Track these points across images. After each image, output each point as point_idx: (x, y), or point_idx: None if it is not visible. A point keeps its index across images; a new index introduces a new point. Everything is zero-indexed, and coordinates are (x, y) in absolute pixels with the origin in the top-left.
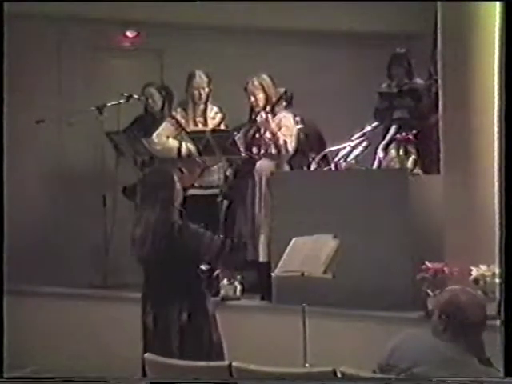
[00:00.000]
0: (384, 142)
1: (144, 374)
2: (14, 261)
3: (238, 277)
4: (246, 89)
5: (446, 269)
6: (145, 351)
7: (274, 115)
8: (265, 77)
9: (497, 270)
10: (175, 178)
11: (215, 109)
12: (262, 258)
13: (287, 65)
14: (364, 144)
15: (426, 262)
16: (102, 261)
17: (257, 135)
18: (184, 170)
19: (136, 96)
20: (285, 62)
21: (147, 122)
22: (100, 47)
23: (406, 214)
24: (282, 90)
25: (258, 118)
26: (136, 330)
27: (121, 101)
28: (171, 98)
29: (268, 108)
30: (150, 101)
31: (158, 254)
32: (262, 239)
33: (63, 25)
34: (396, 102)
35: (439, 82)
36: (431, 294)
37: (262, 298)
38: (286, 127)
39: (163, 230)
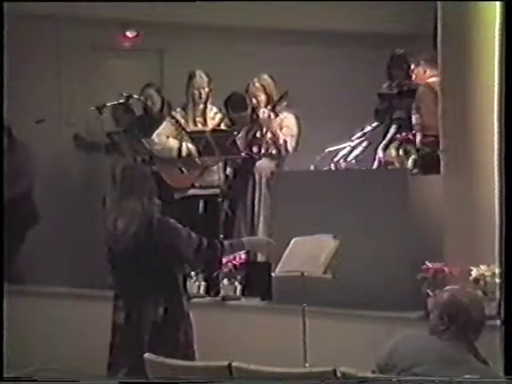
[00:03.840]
0: (384, 142)
1: (110, 374)
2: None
3: (238, 277)
4: (246, 91)
5: (445, 269)
6: (111, 350)
7: (275, 115)
8: (266, 77)
9: (497, 270)
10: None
11: (215, 109)
12: (261, 257)
13: (287, 65)
14: (364, 144)
15: (426, 262)
16: (101, 261)
17: (258, 135)
18: (184, 169)
19: (136, 96)
20: (285, 62)
21: (147, 122)
22: (100, 47)
23: (406, 214)
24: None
25: (260, 115)
26: None
27: (121, 101)
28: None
29: (270, 106)
30: (149, 102)
31: (137, 246)
32: None
33: (63, 25)
34: (396, 103)
35: (439, 82)
36: (431, 293)
37: (262, 298)
38: (288, 127)
39: (145, 221)
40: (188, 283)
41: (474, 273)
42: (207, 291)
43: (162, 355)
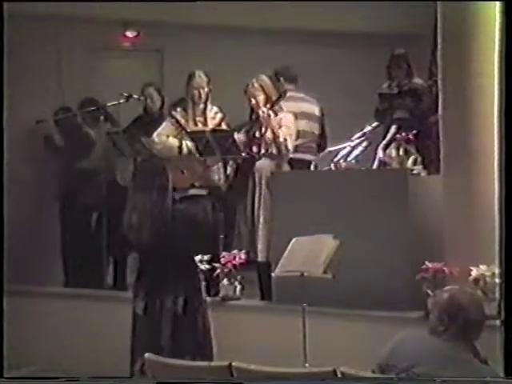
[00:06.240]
0: (384, 142)
1: (132, 364)
2: (14, 261)
3: (238, 277)
4: (245, 91)
5: (445, 269)
6: (133, 341)
7: (275, 114)
8: (264, 77)
9: (497, 270)
10: (166, 166)
11: (215, 109)
12: (261, 257)
13: (287, 65)
14: (364, 144)
15: (426, 262)
16: (102, 261)
17: (257, 135)
18: (184, 169)
19: (136, 96)
20: (285, 62)
21: (147, 122)
22: (100, 47)
23: (406, 214)
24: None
25: (260, 113)
26: None
27: (121, 101)
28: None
29: (268, 105)
30: (148, 101)
31: (154, 240)
32: (262, 239)
33: (63, 25)
34: (396, 103)
35: (439, 82)
36: (431, 293)
37: (262, 298)
38: (287, 126)
39: (160, 215)
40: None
41: (474, 273)
42: (207, 291)
43: (180, 346)
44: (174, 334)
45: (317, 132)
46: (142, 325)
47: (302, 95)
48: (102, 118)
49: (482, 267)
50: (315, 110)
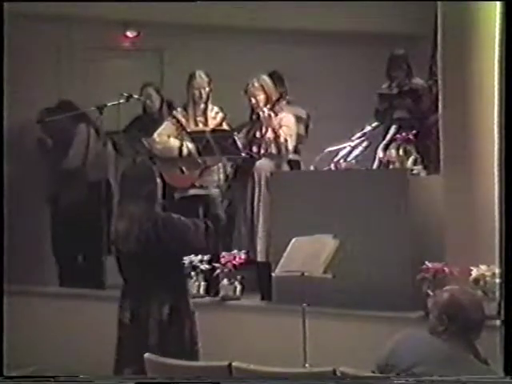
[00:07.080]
0: (384, 142)
1: (116, 372)
2: (14, 261)
3: (238, 277)
4: (246, 91)
5: (445, 269)
6: (118, 348)
7: (275, 114)
8: (264, 77)
9: (497, 270)
10: (155, 171)
11: (216, 108)
12: (261, 257)
13: (287, 65)
14: (364, 144)
15: (426, 262)
16: (102, 261)
17: (257, 135)
18: (184, 169)
19: (136, 96)
20: (285, 62)
21: (146, 122)
22: (100, 47)
23: (406, 214)
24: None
25: (261, 114)
26: None
27: (121, 101)
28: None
29: (269, 106)
30: (148, 101)
31: (142, 248)
32: (262, 239)
33: (63, 25)
34: (396, 103)
35: (439, 82)
36: (431, 293)
37: (262, 298)
38: (287, 127)
39: (148, 223)
40: (188, 283)
41: (474, 273)
42: (207, 291)
43: (167, 354)
44: (159, 342)
45: (303, 134)
46: (128, 333)
47: (291, 98)
48: (98, 116)
49: (482, 267)
50: (303, 112)
